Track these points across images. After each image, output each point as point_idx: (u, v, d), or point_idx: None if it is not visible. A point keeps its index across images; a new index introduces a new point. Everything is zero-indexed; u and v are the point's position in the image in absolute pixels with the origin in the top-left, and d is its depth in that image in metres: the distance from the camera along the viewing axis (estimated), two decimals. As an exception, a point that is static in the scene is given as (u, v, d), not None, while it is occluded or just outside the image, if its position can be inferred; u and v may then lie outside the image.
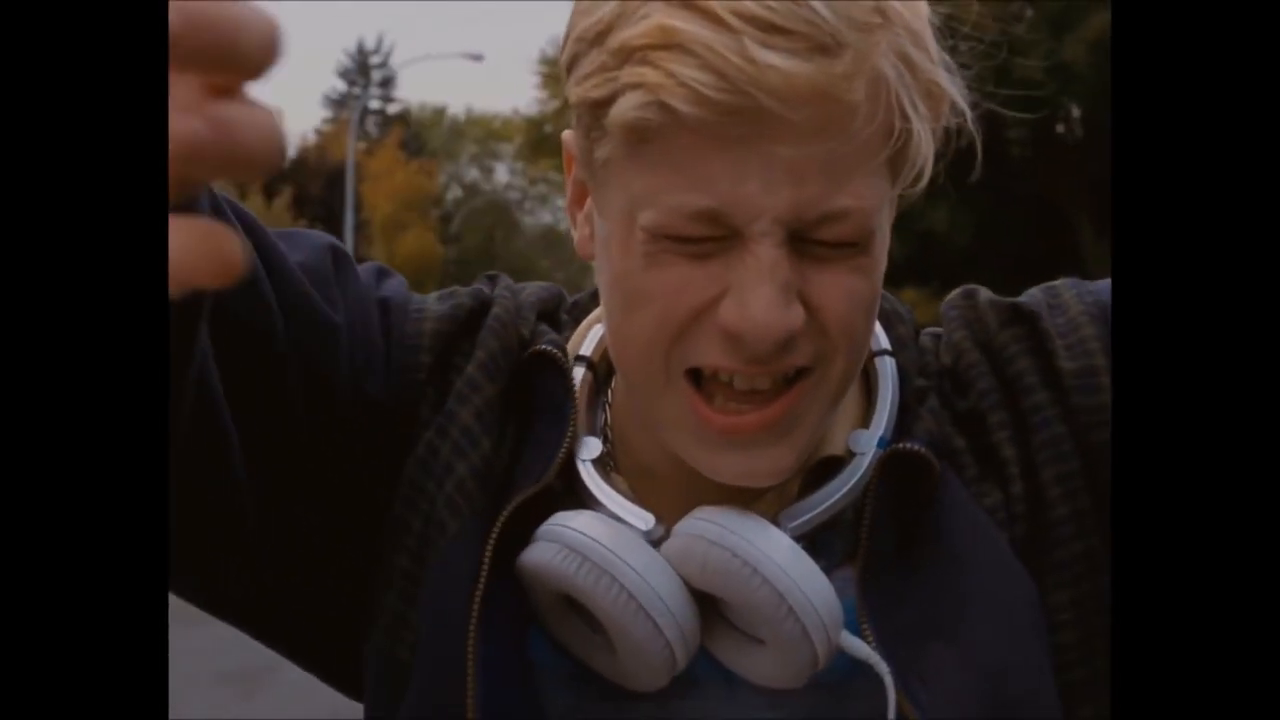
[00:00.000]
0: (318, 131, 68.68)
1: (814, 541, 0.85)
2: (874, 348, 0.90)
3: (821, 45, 0.72)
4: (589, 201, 0.87)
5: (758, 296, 0.76)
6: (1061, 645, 0.85)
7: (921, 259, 28.02)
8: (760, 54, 0.71)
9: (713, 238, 0.77)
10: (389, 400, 0.90)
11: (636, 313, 0.81)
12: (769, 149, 0.74)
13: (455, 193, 77.44)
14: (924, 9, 0.80)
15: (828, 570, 0.84)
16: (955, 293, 0.94)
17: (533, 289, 1.00)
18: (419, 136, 71.83)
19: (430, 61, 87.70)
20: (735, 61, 0.71)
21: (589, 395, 0.93)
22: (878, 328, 0.90)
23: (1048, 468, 0.87)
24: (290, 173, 47.58)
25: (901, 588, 0.85)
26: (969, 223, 25.79)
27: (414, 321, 0.93)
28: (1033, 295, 0.92)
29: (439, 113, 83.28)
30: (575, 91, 0.81)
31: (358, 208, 42.73)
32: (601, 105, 0.78)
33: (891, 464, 0.86)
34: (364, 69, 74.87)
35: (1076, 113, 25.04)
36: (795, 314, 0.78)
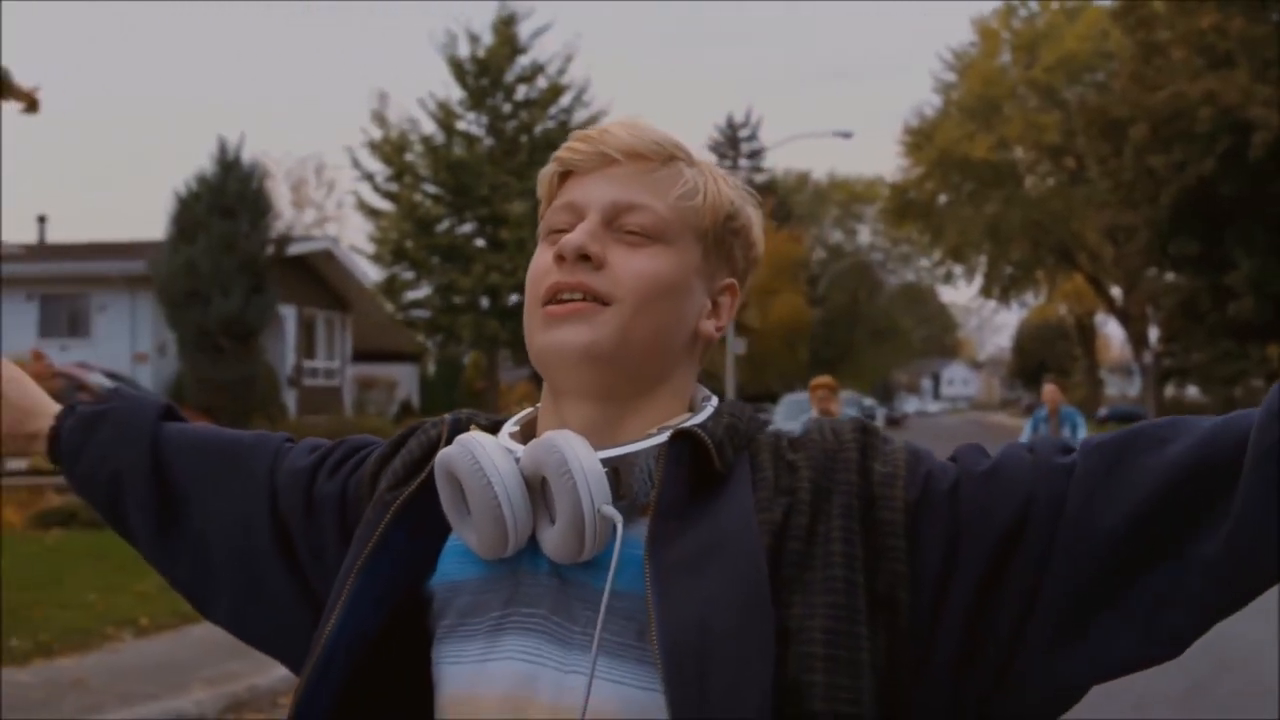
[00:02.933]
0: (691, 202, 72.12)
1: (621, 485, 1.27)
2: (702, 397, 1.39)
3: (641, 134, 1.37)
4: None
5: (575, 230, 1.32)
6: (800, 631, 1.18)
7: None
8: (607, 128, 1.37)
9: (572, 226, 1.34)
10: (345, 494, 1.49)
11: (531, 275, 1.37)
12: (606, 172, 1.35)
13: (819, 254, 79.43)
14: (713, 169, 1.43)
15: (630, 513, 1.26)
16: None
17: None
18: (784, 203, 73.71)
19: (798, 134, 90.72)
20: (592, 134, 1.37)
21: (532, 421, 1.42)
22: (712, 399, 1.39)
23: (836, 519, 1.22)
24: (673, 244, 50.80)
25: (676, 533, 1.22)
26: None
27: (372, 454, 1.50)
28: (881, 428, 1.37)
29: (803, 178, 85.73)
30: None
31: (734, 275, 45.40)
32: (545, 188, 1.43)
33: (677, 437, 1.27)
34: (734, 142, 77.96)
35: None
36: (595, 245, 1.31)
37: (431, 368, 40.17)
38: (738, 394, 45.56)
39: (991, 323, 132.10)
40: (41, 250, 31.62)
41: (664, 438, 1.28)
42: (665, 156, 1.37)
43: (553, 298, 1.32)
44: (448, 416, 1.43)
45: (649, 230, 1.33)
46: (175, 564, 1.62)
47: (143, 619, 9.91)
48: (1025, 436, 12.23)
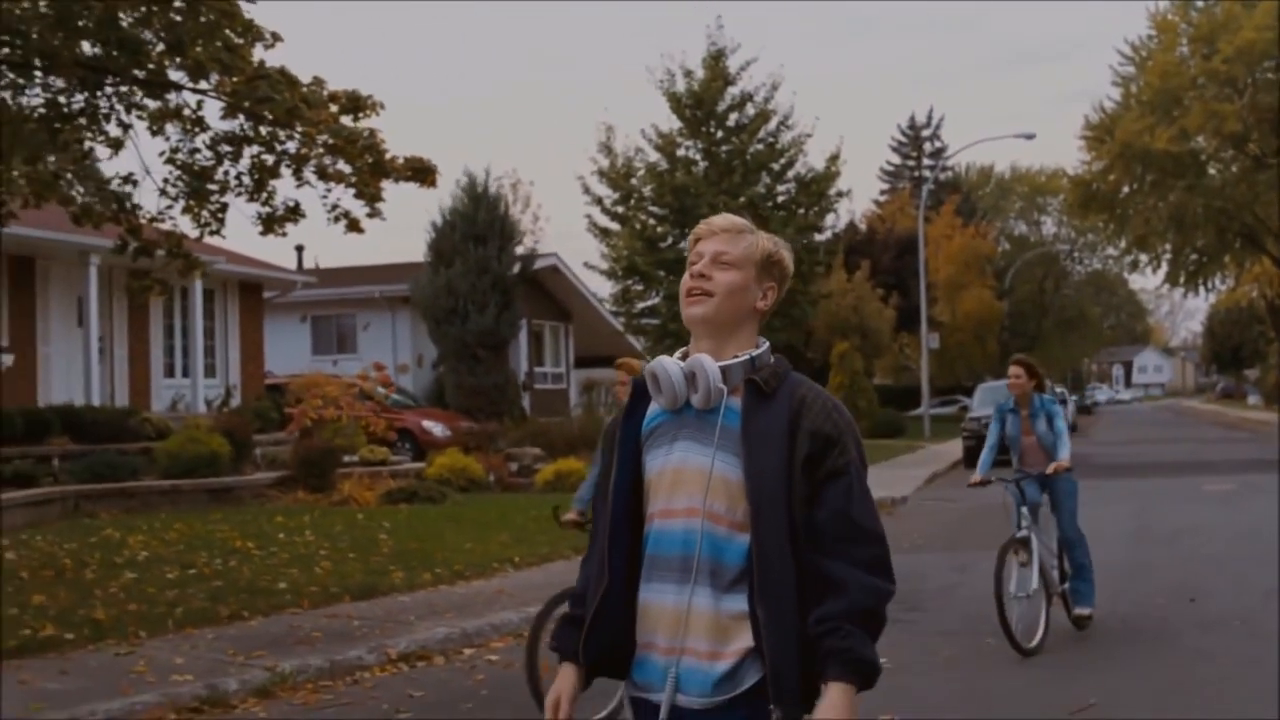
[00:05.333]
0: (876, 203, 74.04)
1: (725, 377, 2.83)
2: (760, 341, 2.93)
3: (729, 220, 3.00)
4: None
5: (699, 263, 2.90)
6: (799, 480, 2.76)
7: None
8: (713, 219, 3.02)
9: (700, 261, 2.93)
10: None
11: (682, 283, 2.94)
12: (714, 237, 2.93)
13: (1004, 246, 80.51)
14: (779, 243, 3.02)
15: (729, 390, 2.84)
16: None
17: None
18: (969, 199, 74.84)
19: (981, 131, 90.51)
20: (708, 221, 3.01)
21: (687, 352, 2.93)
22: (766, 346, 2.92)
23: (805, 435, 2.78)
24: (864, 246, 53.40)
25: (753, 417, 2.78)
26: None
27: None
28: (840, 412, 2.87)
29: (986, 173, 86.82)
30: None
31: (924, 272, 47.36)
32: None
33: (752, 382, 2.81)
34: (916, 142, 79.74)
35: None
36: (707, 269, 2.89)
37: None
38: (930, 387, 47.80)
39: (1183, 308, 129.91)
40: (305, 274, 35.67)
41: (744, 358, 2.85)
42: (739, 230, 2.95)
43: (689, 293, 2.89)
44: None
45: (730, 262, 2.90)
46: None
47: (515, 558, 13.31)
48: (992, 436, 9.74)
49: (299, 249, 39.71)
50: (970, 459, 30.75)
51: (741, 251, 2.91)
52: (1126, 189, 54.66)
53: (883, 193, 76.87)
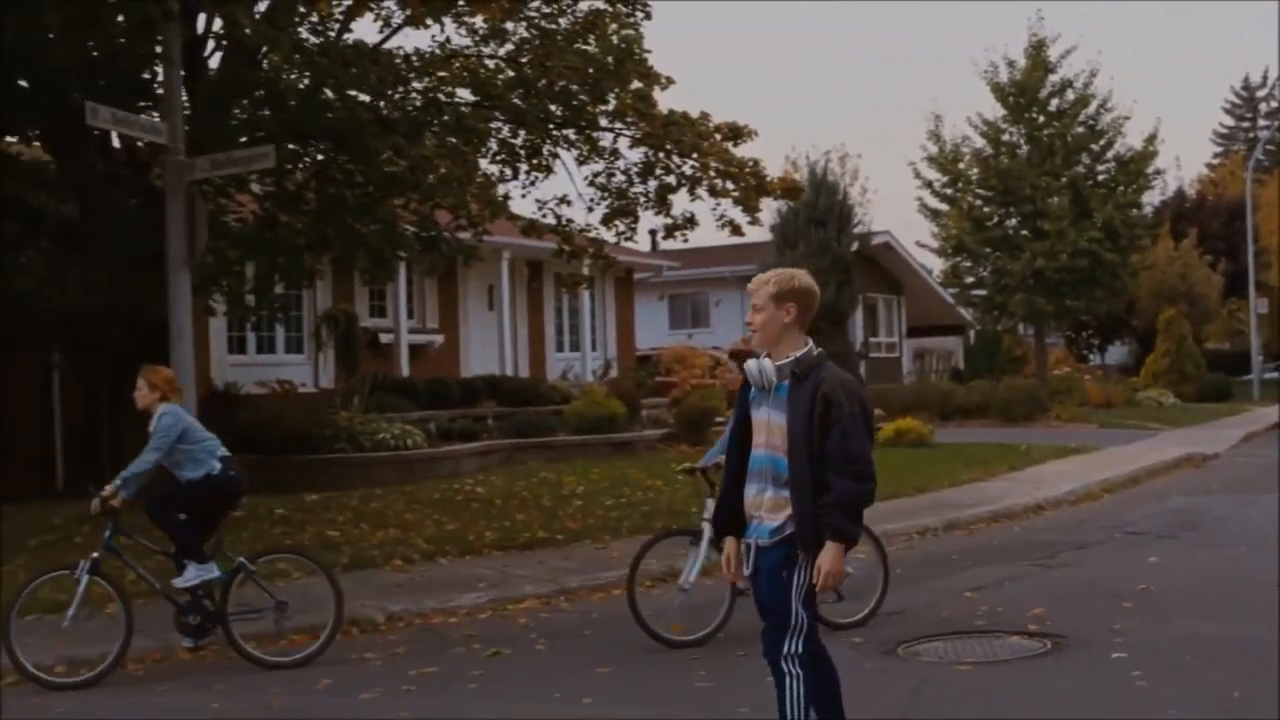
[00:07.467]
0: (1209, 166, 73.18)
1: (780, 372, 5.09)
2: (807, 348, 5.13)
3: (764, 277, 5.21)
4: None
5: (750, 312, 5.20)
6: (819, 431, 4.94)
7: None
8: (754, 280, 5.27)
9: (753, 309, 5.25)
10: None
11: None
12: (751, 293, 5.18)
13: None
14: (784, 278, 5.19)
15: (780, 378, 5.08)
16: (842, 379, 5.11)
17: None
18: (1308, 160, 72.95)
19: None
20: (751, 282, 5.30)
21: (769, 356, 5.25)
22: (810, 345, 5.14)
23: (819, 403, 4.94)
24: (1192, 212, 53.78)
25: (794, 393, 5.01)
26: None
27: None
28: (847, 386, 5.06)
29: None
30: None
31: (1254, 237, 47.64)
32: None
33: (793, 373, 5.00)
34: (1251, 103, 78.30)
35: None
36: (751, 315, 5.19)
37: (973, 339, 45.83)
38: (1263, 352, 48.22)
39: None
40: (660, 257, 39.71)
41: (790, 359, 5.04)
42: (761, 284, 5.15)
43: (748, 329, 5.31)
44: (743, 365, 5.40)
45: (759, 307, 5.14)
46: None
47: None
48: (731, 423, 9.93)
49: (652, 233, 43.72)
50: (1288, 421, 31.96)
51: (763, 298, 5.07)
52: None
53: (1215, 156, 75.89)
